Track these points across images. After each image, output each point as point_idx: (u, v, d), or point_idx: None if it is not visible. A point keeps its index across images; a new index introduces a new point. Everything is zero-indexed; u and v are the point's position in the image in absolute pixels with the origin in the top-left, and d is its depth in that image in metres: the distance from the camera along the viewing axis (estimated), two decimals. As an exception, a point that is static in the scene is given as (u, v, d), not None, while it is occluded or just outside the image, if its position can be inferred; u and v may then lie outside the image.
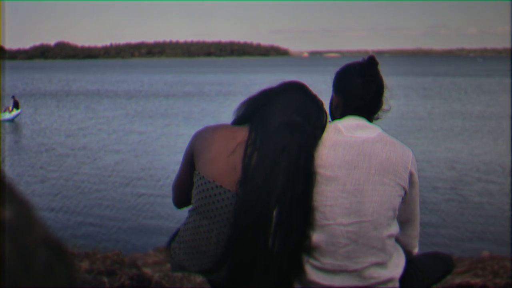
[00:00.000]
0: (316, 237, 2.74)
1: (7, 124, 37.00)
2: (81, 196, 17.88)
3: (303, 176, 2.72)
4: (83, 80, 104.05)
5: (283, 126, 2.75)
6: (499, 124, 34.37)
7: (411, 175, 2.83)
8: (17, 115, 38.62)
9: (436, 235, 13.66)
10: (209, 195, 2.77)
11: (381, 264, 2.79)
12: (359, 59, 3.07)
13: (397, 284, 2.87)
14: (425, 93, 61.57)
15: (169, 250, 3.00)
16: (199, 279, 2.81)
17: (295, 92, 2.88)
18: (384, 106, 3.01)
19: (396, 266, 2.86)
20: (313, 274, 2.78)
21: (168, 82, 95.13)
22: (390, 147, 2.81)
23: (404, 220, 2.95)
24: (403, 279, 2.92)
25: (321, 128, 2.83)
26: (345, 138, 2.81)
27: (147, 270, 5.22)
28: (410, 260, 3.04)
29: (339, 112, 2.98)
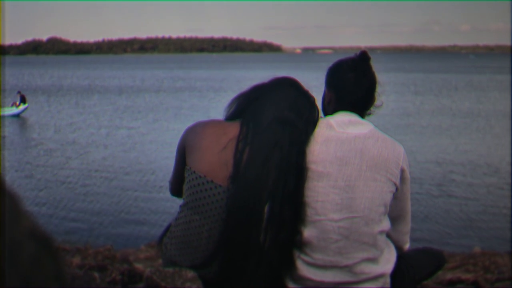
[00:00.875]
0: (308, 232, 2.74)
1: (15, 119, 37.04)
2: (73, 191, 17.85)
3: (295, 171, 2.72)
4: (74, 75, 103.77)
5: (275, 121, 2.74)
6: (488, 121, 34.43)
7: (402, 171, 2.83)
8: (24, 109, 38.64)
9: (428, 231, 13.68)
10: (200, 190, 2.77)
11: (372, 260, 2.79)
12: (351, 55, 3.07)
13: (388, 279, 2.87)
14: (416, 89, 61.61)
15: (160, 245, 3.00)
16: (190, 274, 2.81)
17: (287, 88, 2.88)
18: (376, 102, 3.01)
19: (387, 262, 2.87)
20: (304, 270, 2.78)
21: (159, 77, 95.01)
22: (382, 143, 2.81)
23: (395, 216, 2.95)
24: (394, 274, 2.92)
25: (313, 123, 2.83)
26: (337, 134, 2.81)
27: (139, 266, 5.22)
28: (401, 256, 3.04)
29: (331, 107, 2.97)
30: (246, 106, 2.86)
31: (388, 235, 2.96)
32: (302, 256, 2.78)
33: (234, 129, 2.79)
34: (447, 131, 30.41)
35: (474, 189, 18.02)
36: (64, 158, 23.54)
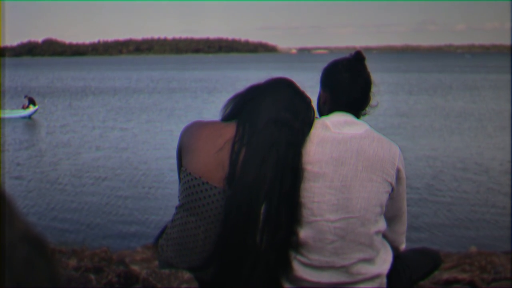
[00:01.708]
0: (304, 233, 2.74)
1: (26, 120, 37.10)
2: (69, 192, 17.82)
3: (291, 172, 2.71)
4: (69, 77, 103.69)
5: (272, 122, 2.74)
6: (483, 121, 34.47)
7: (398, 171, 2.84)
8: (35, 111, 38.68)
9: (424, 231, 13.69)
10: (196, 192, 2.76)
11: (369, 260, 2.79)
12: (347, 55, 3.07)
13: (384, 280, 2.87)
14: (410, 89, 61.61)
15: (156, 247, 2.99)
16: (186, 276, 2.81)
17: (283, 88, 2.88)
18: (372, 102, 3.01)
19: (383, 262, 2.87)
20: (300, 271, 2.78)
21: (154, 78, 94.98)
22: (378, 144, 2.81)
23: (391, 216, 2.96)
24: (391, 275, 2.92)
25: (309, 124, 2.83)
26: (332, 135, 2.81)
27: (135, 267, 5.21)
28: (398, 256, 3.05)
29: (326, 108, 2.98)
30: (242, 106, 2.86)
31: (384, 236, 2.96)
32: (298, 257, 2.78)
33: (230, 130, 2.79)
34: (439, 130, 30.41)
35: (470, 189, 18.04)
36: (59, 159, 23.51)
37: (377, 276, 2.82)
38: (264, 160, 2.69)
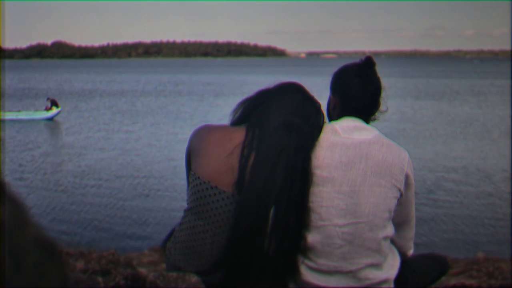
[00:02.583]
0: (312, 238, 2.74)
1: (49, 122, 37.23)
2: (77, 195, 17.86)
3: (300, 177, 2.71)
4: (78, 79, 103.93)
5: (281, 127, 2.74)
6: (492, 127, 34.36)
7: (407, 177, 2.83)
8: (57, 113, 38.81)
9: (431, 236, 13.66)
10: (204, 196, 2.77)
11: (376, 265, 2.79)
12: (356, 59, 3.07)
13: (392, 285, 2.87)
14: (417, 94, 61.43)
15: (164, 250, 3.00)
16: (194, 279, 2.81)
17: (293, 93, 2.88)
18: (382, 107, 3.01)
19: (391, 267, 2.86)
20: (308, 275, 2.78)
21: (162, 81, 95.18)
22: (387, 149, 2.81)
23: (399, 221, 2.95)
24: (398, 280, 2.92)
25: (319, 129, 2.83)
26: (342, 140, 2.81)
27: (142, 270, 5.22)
28: (405, 261, 3.04)
29: (336, 113, 2.98)
30: (251, 111, 2.86)
31: (392, 241, 2.96)
32: (306, 261, 2.78)
33: (239, 134, 2.79)
34: (452, 136, 30.35)
35: (479, 194, 17.99)
36: (66, 161, 23.55)
37: (384, 281, 2.82)
38: (273, 165, 2.68)
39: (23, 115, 38.32)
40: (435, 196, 17.56)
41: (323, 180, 2.75)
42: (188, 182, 2.91)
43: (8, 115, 38.31)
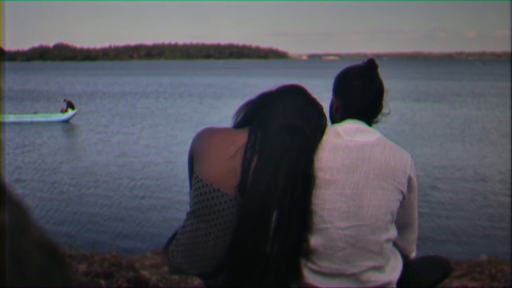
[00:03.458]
0: (314, 240, 2.74)
1: (65, 124, 37.26)
2: (78, 198, 17.86)
3: (303, 179, 2.71)
4: (79, 82, 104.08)
5: (284, 129, 2.74)
6: (494, 129, 34.34)
7: (409, 179, 2.83)
8: (73, 115, 38.71)
9: (434, 239, 13.66)
10: (207, 199, 2.77)
11: (379, 268, 2.79)
12: (358, 62, 3.06)
13: (394, 287, 2.87)
14: (417, 96, 61.32)
15: (166, 252, 2.99)
16: (196, 282, 2.81)
17: (295, 96, 2.88)
18: (384, 110, 3.01)
19: (393, 270, 2.86)
20: (310, 278, 2.77)
21: (163, 83, 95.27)
22: (389, 152, 2.81)
23: (402, 224, 2.95)
24: (401, 283, 2.92)
25: (321, 131, 2.83)
26: (344, 142, 2.81)
27: (145, 273, 5.22)
28: (408, 264, 3.04)
29: (338, 115, 2.98)
30: (254, 113, 2.86)
31: (395, 244, 2.96)
32: (309, 264, 2.77)
33: (242, 137, 2.79)
34: (453, 138, 30.32)
35: (481, 196, 17.98)
36: (69, 164, 23.56)
37: (387, 284, 2.82)
38: (276, 168, 2.68)
39: (39, 117, 38.37)
40: (437, 199, 17.54)
41: (326, 182, 2.74)
42: (191, 185, 2.90)
43: (25, 118, 38.45)
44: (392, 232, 2.83)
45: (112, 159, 24.71)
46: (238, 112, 2.94)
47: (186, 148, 2.98)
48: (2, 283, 0.59)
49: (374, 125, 2.99)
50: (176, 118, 40.87)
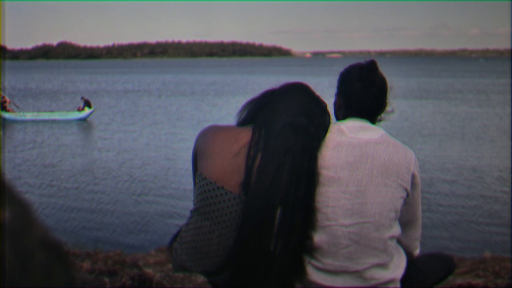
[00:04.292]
0: (318, 237, 2.74)
1: (81, 122, 37.24)
2: (82, 195, 17.87)
3: (306, 177, 2.71)
4: (83, 80, 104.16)
5: (288, 127, 2.74)
6: (497, 127, 34.27)
7: (413, 177, 2.83)
8: (90, 113, 38.64)
9: (438, 236, 13.64)
10: (211, 196, 2.77)
11: (382, 265, 2.79)
12: (361, 59, 3.06)
13: (398, 285, 2.87)
14: (419, 94, 61.11)
15: (170, 250, 3.00)
16: (200, 279, 2.81)
17: (298, 93, 2.88)
18: (388, 107, 3.01)
19: (397, 267, 2.86)
20: (314, 275, 2.77)
21: (165, 81, 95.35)
22: (393, 149, 2.81)
23: (405, 221, 2.95)
24: (404, 280, 2.92)
25: (324, 129, 2.83)
26: (348, 139, 2.81)
27: (149, 270, 5.22)
28: (411, 261, 3.04)
29: (341, 113, 2.98)
30: (257, 111, 2.86)
31: (399, 241, 2.96)
32: (312, 261, 2.78)
33: (246, 135, 2.79)
34: (456, 136, 30.28)
35: (485, 193, 17.96)
36: (73, 162, 23.57)
37: (391, 281, 2.82)
38: (280, 165, 2.69)
39: (57, 116, 38.48)
40: (441, 196, 17.52)
41: (329, 180, 2.75)
42: (195, 183, 2.91)
43: (42, 116, 38.61)
44: (396, 229, 2.83)
45: (117, 156, 24.71)
46: (242, 110, 2.94)
47: (188, 145, 2.98)
48: (6, 282, 0.61)
49: (377, 123, 2.99)
50: (179, 116, 40.81)
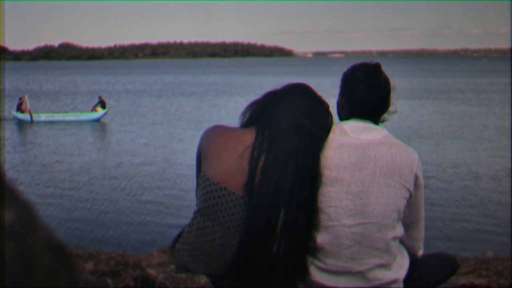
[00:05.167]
0: (321, 238, 2.74)
1: (95, 123, 37.21)
2: (84, 196, 17.88)
3: (309, 178, 2.72)
4: (82, 80, 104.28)
5: (291, 128, 2.75)
6: (498, 127, 34.25)
7: (416, 177, 2.83)
8: (104, 114, 38.49)
9: (440, 236, 13.64)
10: (213, 197, 2.77)
11: (385, 266, 2.79)
12: (363, 59, 3.05)
13: (401, 285, 2.87)
14: (419, 93, 61.07)
15: (173, 251, 3.00)
16: (203, 280, 2.81)
17: (301, 94, 2.88)
18: (391, 108, 3.00)
19: (400, 267, 2.86)
20: (317, 275, 2.78)
21: (166, 82, 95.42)
22: (396, 149, 2.81)
23: (409, 222, 2.95)
24: (407, 280, 2.92)
25: (327, 130, 2.83)
26: (350, 140, 2.81)
27: (151, 271, 5.22)
28: (414, 261, 3.04)
29: (345, 114, 2.98)
30: (260, 113, 2.86)
31: (402, 241, 2.95)
32: (316, 261, 2.78)
33: (249, 136, 2.79)
34: (459, 136, 30.26)
35: (488, 193, 17.95)
36: (75, 163, 23.58)
37: (393, 282, 2.82)
38: (284, 167, 2.69)
39: (71, 117, 38.46)
40: (443, 196, 17.52)
41: (332, 180, 2.75)
42: (198, 183, 2.91)
43: (56, 117, 38.59)
44: (399, 230, 2.83)
45: (125, 157, 24.73)
46: (245, 112, 2.94)
47: (187, 146, 2.98)
48: (10, 283, 0.61)
49: (381, 124, 2.99)
50: (179, 117, 40.81)
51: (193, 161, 3.02)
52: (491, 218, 15.46)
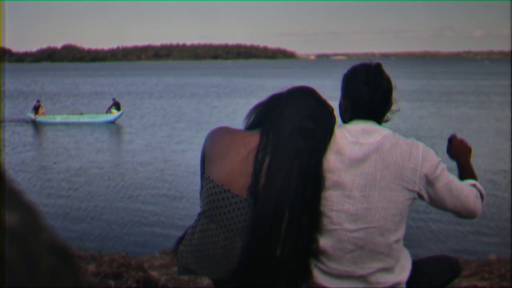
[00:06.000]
0: (323, 241, 2.74)
1: (110, 125, 37.17)
2: (87, 198, 17.88)
3: (313, 181, 2.72)
4: (84, 82, 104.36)
5: (295, 131, 2.75)
6: (497, 129, 34.19)
7: (425, 176, 2.80)
8: (119, 116, 38.34)
9: (443, 238, 13.62)
10: (217, 199, 2.77)
11: (388, 269, 2.79)
12: (366, 61, 3.05)
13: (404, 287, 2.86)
14: (420, 95, 61.02)
15: (176, 252, 3.00)
16: (205, 282, 2.82)
17: (305, 97, 2.88)
18: (394, 107, 3.00)
19: (402, 270, 2.86)
20: (320, 278, 2.77)
21: (168, 84, 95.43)
22: (396, 150, 2.80)
23: (459, 210, 2.94)
24: (410, 282, 2.92)
25: (331, 133, 2.83)
26: (350, 144, 2.80)
27: (154, 273, 5.22)
28: (417, 264, 3.03)
29: (347, 115, 2.97)
30: (264, 115, 2.86)
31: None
32: (319, 264, 2.78)
33: (254, 139, 2.79)
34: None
35: (490, 195, 17.91)
36: (79, 165, 23.58)
37: (396, 285, 2.82)
38: (289, 170, 2.69)
39: (86, 118, 38.43)
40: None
41: (333, 184, 2.74)
42: (202, 185, 2.91)
43: (71, 118, 38.65)
44: (401, 232, 2.82)
45: (122, 160, 24.72)
46: (249, 114, 2.95)
47: (193, 147, 2.98)
48: (14, 286, 0.61)
49: (384, 124, 2.98)
50: (179, 119, 40.79)
51: (197, 164, 3.02)
52: (493, 221, 15.43)
